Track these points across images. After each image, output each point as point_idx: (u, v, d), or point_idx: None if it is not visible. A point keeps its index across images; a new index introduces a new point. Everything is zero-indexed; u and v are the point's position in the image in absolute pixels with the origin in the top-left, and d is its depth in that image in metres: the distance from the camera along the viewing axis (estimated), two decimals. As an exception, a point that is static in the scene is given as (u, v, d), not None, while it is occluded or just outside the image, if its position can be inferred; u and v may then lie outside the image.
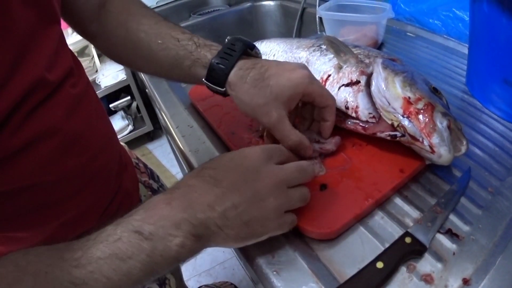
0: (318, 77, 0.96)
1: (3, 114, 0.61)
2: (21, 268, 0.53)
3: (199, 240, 0.61)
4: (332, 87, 0.92)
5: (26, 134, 0.66)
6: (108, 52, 1.00)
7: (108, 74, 3.29)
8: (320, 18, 1.63)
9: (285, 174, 0.67)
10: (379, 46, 1.44)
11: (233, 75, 0.80)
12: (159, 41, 0.88)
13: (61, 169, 0.76)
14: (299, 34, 2.05)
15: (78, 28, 0.96)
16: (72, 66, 0.81)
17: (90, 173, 0.84)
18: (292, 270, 0.69)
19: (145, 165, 1.30)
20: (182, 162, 1.09)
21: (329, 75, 0.95)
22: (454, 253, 0.66)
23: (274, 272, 0.69)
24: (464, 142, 0.76)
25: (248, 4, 2.26)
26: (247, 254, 0.74)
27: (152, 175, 1.29)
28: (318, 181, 0.80)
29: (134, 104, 3.72)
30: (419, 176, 0.83)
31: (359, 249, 0.70)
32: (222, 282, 2.43)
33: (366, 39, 1.39)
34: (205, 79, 0.83)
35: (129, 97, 3.57)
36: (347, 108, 0.88)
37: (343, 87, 0.90)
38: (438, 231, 0.70)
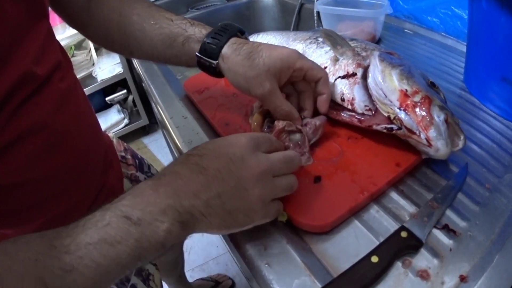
0: None
1: None
2: (10, 257, 0.52)
3: (185, 226, 0.61)
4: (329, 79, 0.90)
5: (13, 130, 0.67)
6: (100, 39, 1.01)
7: (105, 68, 3.28)
8: (318, 14, 1.62)
9: (271, 163, 0.66)
10: (376, 42, 1.43)
11: (226, 48, 0.83)
12: (152, 22, 0.90)
13: (48, 166, 0.77)
14: (297, 30, 2.03)
15: (69, 18, 0.97)
16: (60, 59, 0.82)
17: (76, 171, 0.86)
18: (285, 263, 0.67)
19: (134, 156, 1.31)
20: (175, 153, 1.08)
21: (325, 67, 0.95)
22: (451, 249, 0.65)
23: (266, 265, 0.67)
24: (462, 137, 0.76)
25: (246, -1, 2.26)
26: (238, 246, 0.73)
27: (140, 166, 1.31)
28: (312, 173, 0.80)
29: (130, 98, 3.73)
30: (416, 170, 0.82)
31: (353, 243, 0.69)
32: (217, 274, 2.47)
33: (364, 34, 1.39)
34: (198, 53, 0.85)
35: (125, 91, 3.57)
36: (342, 100, 0.88)
37: (339, 79, 0.89)
38: (435, 227, 0.69)
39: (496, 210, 0.72)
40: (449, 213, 0.72)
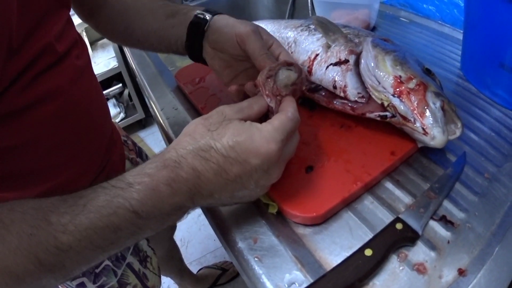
0: (305, 57, 0.96)
1: (14, 75, 0.66)
2: (4, 225, 0.54)
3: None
4: (319, 67, 0.91)
5: (32, 94, 0.71)
6: (106, 25, 1.05)
7: (100, 62, 3.30)
8: (312, 2, 1.60)
9: (289, 156, 0.68)
10: (371, 30, 1.42)
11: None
12: (160, 3, 0.95)
13: (59, 132, 0.80)
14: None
15: (82, 6, 1.03)
16: (77, 39, 0.88)
17: (84, 142, 0.89)
18: (275, 257, 0.67)
19: (134, 143, 1.36)
20: (166, 145, 1.08)
21: (317, 55, 0.93)
22: (448, 242, 0.65)
23: (256, 259, 0.67)
24: (459, 124, 0.74)
25: (240, -11, 2.30)
26: (228, 239, 0.73)
27: (140, 153, 1.35)
28: (303, 163, 0.79)
29: (126, 92, 3.76)
30: (412, 159, 0.81)
31: (347, 236, 0.68)
32: (222, 261, 2.50)
33: (358, 22, 1.38)
34: (198, 11, 0.88)
35: (120, 85, 3.61)
36: (335, 87, 0.86)
37: (331, 66, 0.88)
38: (432, 218, 0.69)
39: (495, 200, 0.71)
40: (446, 203, 0.71)
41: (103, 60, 3.29)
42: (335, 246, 0.67)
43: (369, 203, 0.73)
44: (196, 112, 1.08)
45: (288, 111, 0.67)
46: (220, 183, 0.61)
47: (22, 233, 0.53)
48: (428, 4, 1.43)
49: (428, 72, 0.83)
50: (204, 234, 2.71)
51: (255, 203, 0.76)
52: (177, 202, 0.60)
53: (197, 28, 0.86)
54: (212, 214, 0.79)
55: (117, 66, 3.27)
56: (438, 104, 0.73)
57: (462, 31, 1.13)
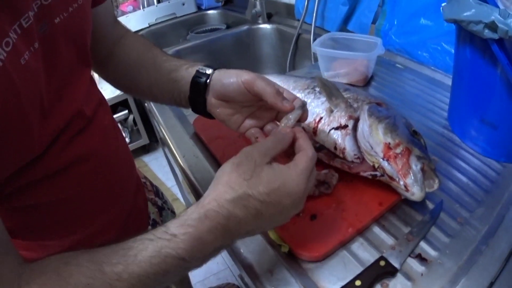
0: (311, 119, 1.07)
1: (49, 138, 0.75)
2: (63, 278, 0.60)
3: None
4: (323, 129, 1.04)
5: (68, 156, 0.80)
6: (114, 77, 1.14)
7: (107, 88, 3.29)
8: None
9: (310, 188, 0.75)
10: (369, 78, 1.57)
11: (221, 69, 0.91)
12: (164, 58, 1.02)
13: (92, 187, 0.90)
14: (294, 58, 2.15)
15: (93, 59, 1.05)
16: (100, 97, 0.98)
17: (114, 194, 0.99)
18: (288, 285, 0.81)
19: (151, 183, 1.45)
20: (185, 188, 1.17)
21: (321, 118, 1.06)
22: (422, 274, 0.78)
23: (273, 287, 0.82)
24: (436, 181, 0.88)
25: (246, 26, 2.37)
26: (250, 272, 0.86)
27: (157, 192, 1.45)
28: (309, 212, 0.93)
29: (130, 117, 3.79)
30: (396, 207, 0.94)
31: (341, 270, 0.82)
32: (225, 283, 2.57)
33: (358, 73, 1.52)
34: (200, 67, 0.92)
35: (126, 111, 3.65)
36: (335, 149, 1.00)
37: (333, 130, 1.02)
38: (409, 256, 0.81)
39: (465, 240, 0.83)
40: (422, 244, 0.84)
41: (110, 87, 3.24)
42: (333, 278, 0.80)
43: (359, 244, 0.86)
44: (215, 160, 1.20)
45: (307, 150, 0.75)
46: (257, 224, 0.70)
47: (79, 284, 0.59)
48: (422, 51, 1.56)
49: (415, 133, 0.96)
50: (207, 257, 2.77)
51: (271, 244, 0.89)
52: (219, 245, 0.68)
53: (200, 83, 0.90)
54: (235, 254, 0.91)
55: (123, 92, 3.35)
56: (419, 166, 0.87)
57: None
